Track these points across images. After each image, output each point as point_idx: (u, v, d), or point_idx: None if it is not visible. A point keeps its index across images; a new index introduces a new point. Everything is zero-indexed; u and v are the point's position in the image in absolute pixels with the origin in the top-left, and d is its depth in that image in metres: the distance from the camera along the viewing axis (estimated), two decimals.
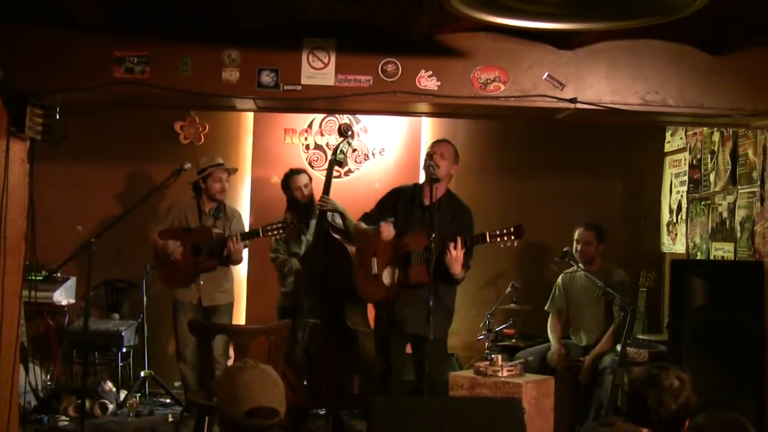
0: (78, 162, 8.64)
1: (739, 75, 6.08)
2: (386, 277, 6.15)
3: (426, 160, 6.23)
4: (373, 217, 6.40)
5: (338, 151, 7.34)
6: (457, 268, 6.00)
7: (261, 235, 7.01)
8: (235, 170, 7.83)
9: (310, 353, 7.01)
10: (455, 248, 5.90)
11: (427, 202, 6.07)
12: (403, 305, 6.11)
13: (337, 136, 7.51)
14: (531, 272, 8.70)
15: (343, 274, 6.93)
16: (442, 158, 6.14)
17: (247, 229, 7.63)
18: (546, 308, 7.74)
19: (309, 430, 7.04)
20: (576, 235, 7.60)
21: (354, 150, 8.39)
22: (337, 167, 7.68)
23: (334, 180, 7.65)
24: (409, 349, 6.53)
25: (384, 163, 8.79)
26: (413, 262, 6.05)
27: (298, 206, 7.43)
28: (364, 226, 6.42)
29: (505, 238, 5.97)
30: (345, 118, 8.51)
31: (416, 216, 6.17)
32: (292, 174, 7.52)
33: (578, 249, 7.55)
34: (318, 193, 7.36)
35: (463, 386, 6.59)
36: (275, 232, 6.98)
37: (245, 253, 8.54)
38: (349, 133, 7.44)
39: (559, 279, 7.76)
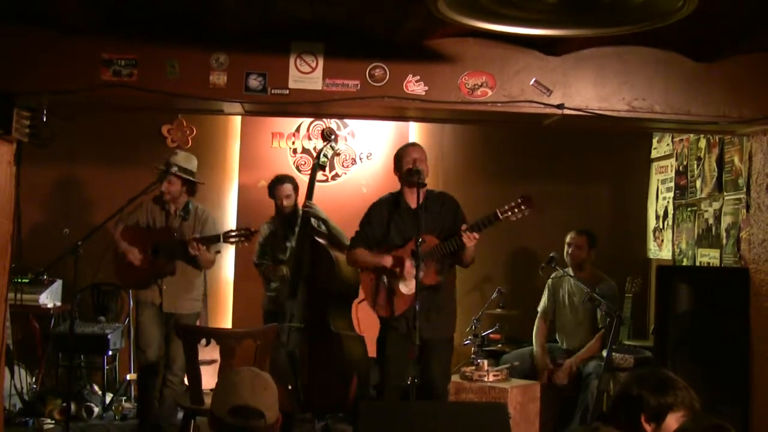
0: (65, 164, 8.63)
1: (726, 82, 6.12)
2: (404, 288, 6.06)
3: (405, 167, 6.14)
4: (366, 235, 6.27)
5: (321, 155, 7.34)
6: (472, 252, 6.05)
7: (222, 240, 6.69)
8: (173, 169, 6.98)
9: (295, 358, 7.00)
10: (470, 233, 5.89)
11: (414, 205, 6.03)
12: (416, 311, 5.99)
13: (321, 141, 7.51)
14: (517, 277, 8.72)
15: (327, 278, 6.92)
16: (423, 162, 6.12)
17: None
18: (538, 308, 7.74)
19: None
20: (568, 239, 7.61)
21: (338, 154, 8.38)
22: (321, 171, 7.64)
23: (321, 184, 7.65)
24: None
25: (371, 167, 8.79)
26: (425, 263, 5.98)
27: (282, 215, 7.39)
28: (368, 256, 6.21)
29: (516, 210, 5.95)
30: (332, 122, 8.50)
31: (407, 221, 6.13)
32: (276, 183, 7.42)
33: (569, 252, 7.55)
34: (301, 197, 7.34)
35: (449, 391, 6.60)
36: (237, 239, 6.67)
37: (231, 255, 8.54)
38: (333, 136, 7.43)
39: (549, 281, 7.77)
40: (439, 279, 5.97)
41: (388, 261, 6.09)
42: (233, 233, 6.72)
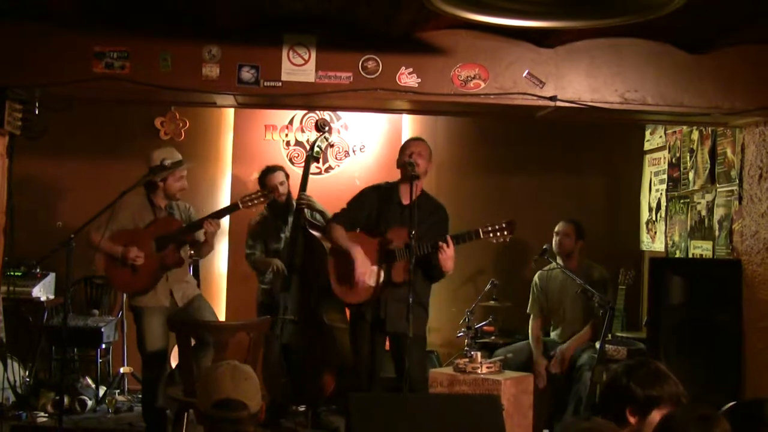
0: (58, 157, 8.60)
1: (718, 73, 6.14)
2: (371, 278, 6.09)
3: (403, 159, 6.14)
4: (351, 216, 6.27)
5: (315, 147, 7.33)
6: (450, 265, 5.98)
7: (240, 206, 6.52)
8: (190, 164, 6.90)
9: (288, 350, 7.00)
10: (448, 247, 5.88)
11: (406, 200, 6.03)
12: (385, 303, 6.07)
13: (315, 132, 7.50)
14: (511, 269, 8.71)
15: (320, 270, 6.91)
16: (420, 156, 6.10)
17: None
18: (528, 311, 7.72)
19: (287, 428, 7.03)
20: (556, 228, 7.60)
21: (331, 145, 8.37)
22: (314, 163, 7.63)
23: (314, 176, 7.63)
24: (385, 347, 6.48)
25: (364, 159, 8.78)
26: (398, 259, 6.01)
27: (276, 204, 7.35)
28: (343, 235, 6.19)
29: (498, 234, 5.96)
30: (325, 114, 8.49)
31: (395, 214, 6.13)
32: (267, 172, 7.36)
33: (557, 241, 7.54)
34: (295, 189, 7.32)
35: (442, 383, 6.60)
36: (254, 202, 6.52)
37: (224, 249, 8.53)
38: (326, 128, 7.42)
39: (536, 278, 7.74)
40: (406, 278, 5.93)
41: (357, 252, 6.06)
42: (249, 196, 6.54)
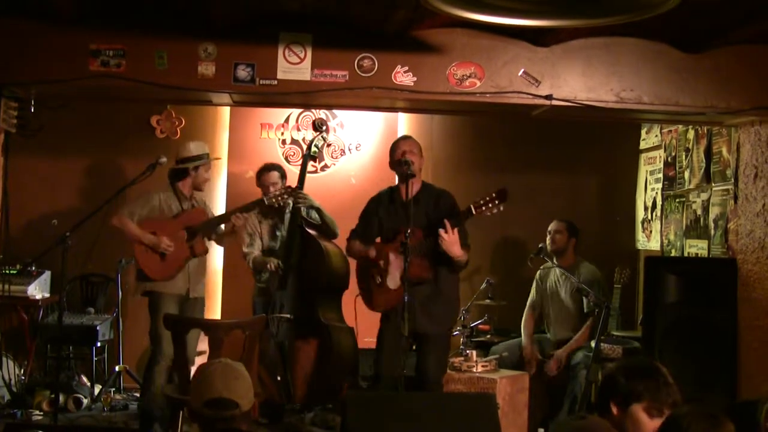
0: (53, 155, 8.58)
1: (713, 73, 6.15)
2: (391, 282, 6.05)
3: (396, 159, 6.12)
4: (362, 229, 6.32)
5: (312, 146, 7.32)
6: (456, 250, 5.87)
7: (266, 202, 6.85)
8: (217, 158, 7.35)
9: (284, 348, 7.00)
10: (446, 232, 5.80)
11: (405, 199, 6.02)
12: (411, 304, 5.96)
13: (313, 131, 7.51)
14: (506, 268, 8.71)
15: (316, 268, 6.91)
16: (413, 154, 6.07)
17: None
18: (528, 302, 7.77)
19: (283, 425, 7.03)
20: (549, 227, 7.63)
21: (329, 145, 8.38)
22: (311, 162, 7.63)
23: (310, 175, 7.62)
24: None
25: (360, 158, 8.78)
26: (411, 257, 5.94)
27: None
28: (359, 246, 6.28)
29: (490, 206, 5.82)
30: (321, 113, 8.49)
31: (399, 214, 6.11)
32: (263, 170, 7.41)
33: (549, 239, 7.57)
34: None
35: (443, 383, 6.60)
36: (279, 199, 6.84)
37: (220, 246, 8.55)
38: (324, 127, 7.42)
39: (537, 274, 7.80)
40: (425, 274, 5.93)
41: (372, 252, 6.14)
42: (275, 193, 6.89)
